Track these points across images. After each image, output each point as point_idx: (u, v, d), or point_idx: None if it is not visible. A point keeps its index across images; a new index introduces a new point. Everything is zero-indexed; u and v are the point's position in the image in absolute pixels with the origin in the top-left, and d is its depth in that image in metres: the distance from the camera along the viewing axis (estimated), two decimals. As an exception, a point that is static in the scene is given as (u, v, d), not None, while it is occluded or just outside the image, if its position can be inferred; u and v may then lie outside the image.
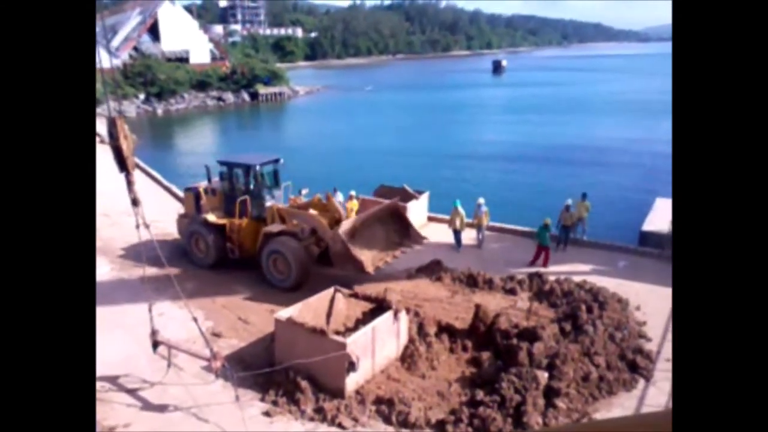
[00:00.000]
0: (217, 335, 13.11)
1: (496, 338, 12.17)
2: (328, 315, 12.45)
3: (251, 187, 16.73)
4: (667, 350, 12.11)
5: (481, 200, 19.61)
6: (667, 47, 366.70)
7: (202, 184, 17.91)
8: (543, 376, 10.75)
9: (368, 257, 14.89)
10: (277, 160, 17.36)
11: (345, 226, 14.96)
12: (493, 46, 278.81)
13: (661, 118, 67.55)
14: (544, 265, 17.23)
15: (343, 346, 10.50)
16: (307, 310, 12.02)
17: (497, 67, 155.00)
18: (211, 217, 16.84)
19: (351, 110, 78.31)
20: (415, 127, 62.74)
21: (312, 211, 16.13)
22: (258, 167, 16.65)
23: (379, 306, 12.24)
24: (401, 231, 16.54)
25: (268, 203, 16.84)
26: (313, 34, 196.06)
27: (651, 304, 14.24)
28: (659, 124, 63.38)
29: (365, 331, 11.09)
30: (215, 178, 17.65)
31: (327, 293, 12.75)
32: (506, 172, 41.13)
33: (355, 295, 12.89)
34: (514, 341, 11.71)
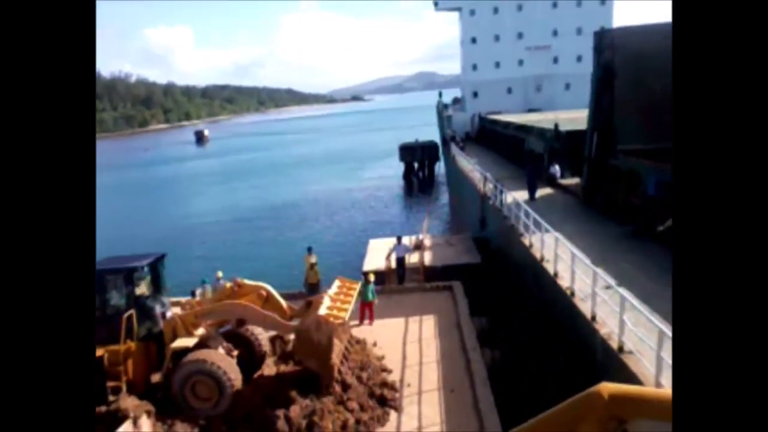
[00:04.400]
0: None
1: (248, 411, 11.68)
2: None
3: (135, 298, 12.63)
4: (407, 376, 13.21)
5: (220, 273, 19.03)
6: (349, 106, 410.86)
7: None
8: (305, 438, 10.65)
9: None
10: (161, 258, 13.52)
11: (318, 305, 12.04)
12: (193, 117, 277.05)
13: (358, 165, 75.26)
14: (370, 322, 16.54)
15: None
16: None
17: (200, 138, 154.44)
18: None
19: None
20: (124, 209, 57.95)
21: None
22: (144, 269, 12.79)
23: (114, 416, 10.70)
24: None
25: (168, 313, 12.99)
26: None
27: (384, 337, 15.39)
28: (362, 171, 70.55)
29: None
30: None
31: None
32: (234, 240, 40.73)
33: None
34: (268, 410, 11.40)
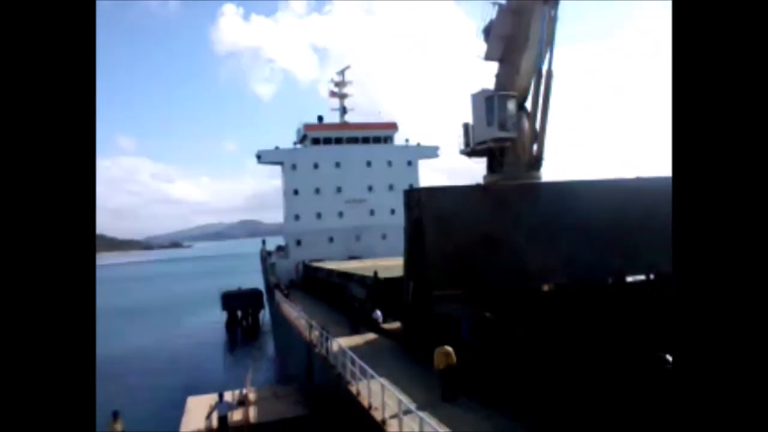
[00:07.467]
0: None
1: None
2: None
3: None
4: None
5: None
6: (168, 253, 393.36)
7: None
8: None
9: None
10: None
11: None
12: None
13: (176, 316, 70.67)
14: None
15: None
16: None
17: None
18: None
19: None
20: None
21: None
22: None
23: None
24: None
25: None
26: None
27: None
28: (181, 322, 66.07)
29: None
30: None
31: None
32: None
33: None
34: None
